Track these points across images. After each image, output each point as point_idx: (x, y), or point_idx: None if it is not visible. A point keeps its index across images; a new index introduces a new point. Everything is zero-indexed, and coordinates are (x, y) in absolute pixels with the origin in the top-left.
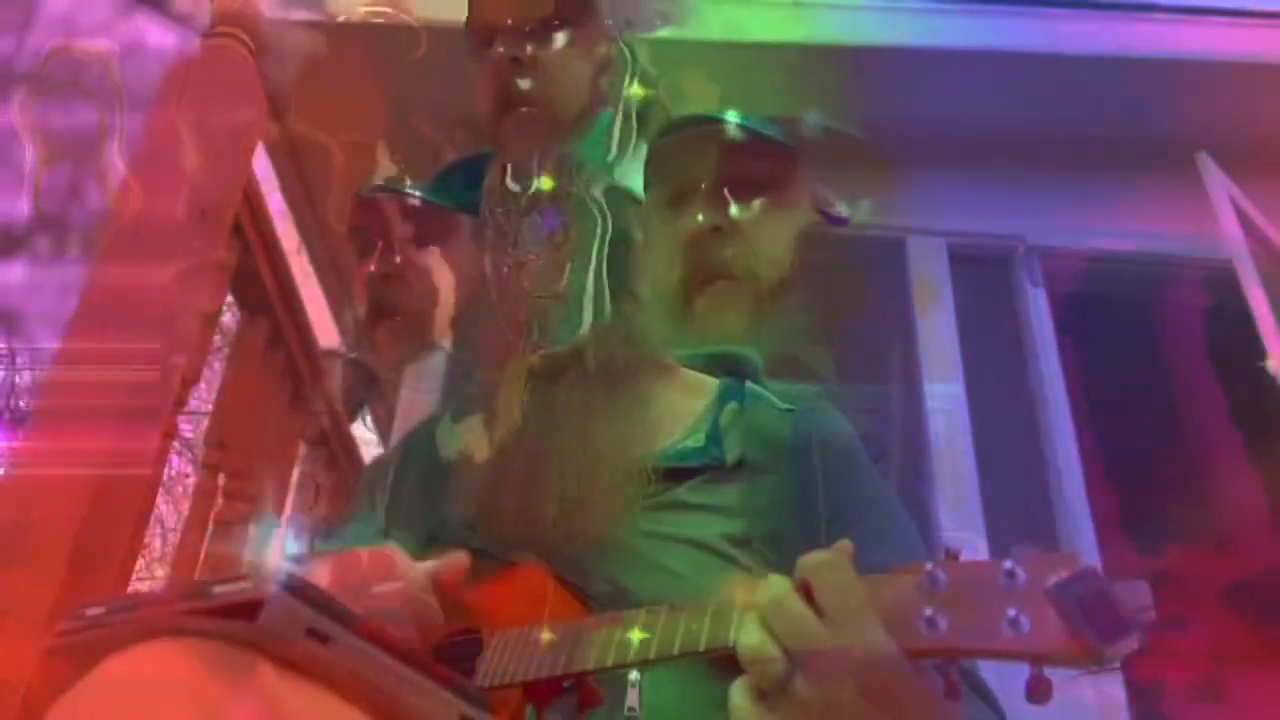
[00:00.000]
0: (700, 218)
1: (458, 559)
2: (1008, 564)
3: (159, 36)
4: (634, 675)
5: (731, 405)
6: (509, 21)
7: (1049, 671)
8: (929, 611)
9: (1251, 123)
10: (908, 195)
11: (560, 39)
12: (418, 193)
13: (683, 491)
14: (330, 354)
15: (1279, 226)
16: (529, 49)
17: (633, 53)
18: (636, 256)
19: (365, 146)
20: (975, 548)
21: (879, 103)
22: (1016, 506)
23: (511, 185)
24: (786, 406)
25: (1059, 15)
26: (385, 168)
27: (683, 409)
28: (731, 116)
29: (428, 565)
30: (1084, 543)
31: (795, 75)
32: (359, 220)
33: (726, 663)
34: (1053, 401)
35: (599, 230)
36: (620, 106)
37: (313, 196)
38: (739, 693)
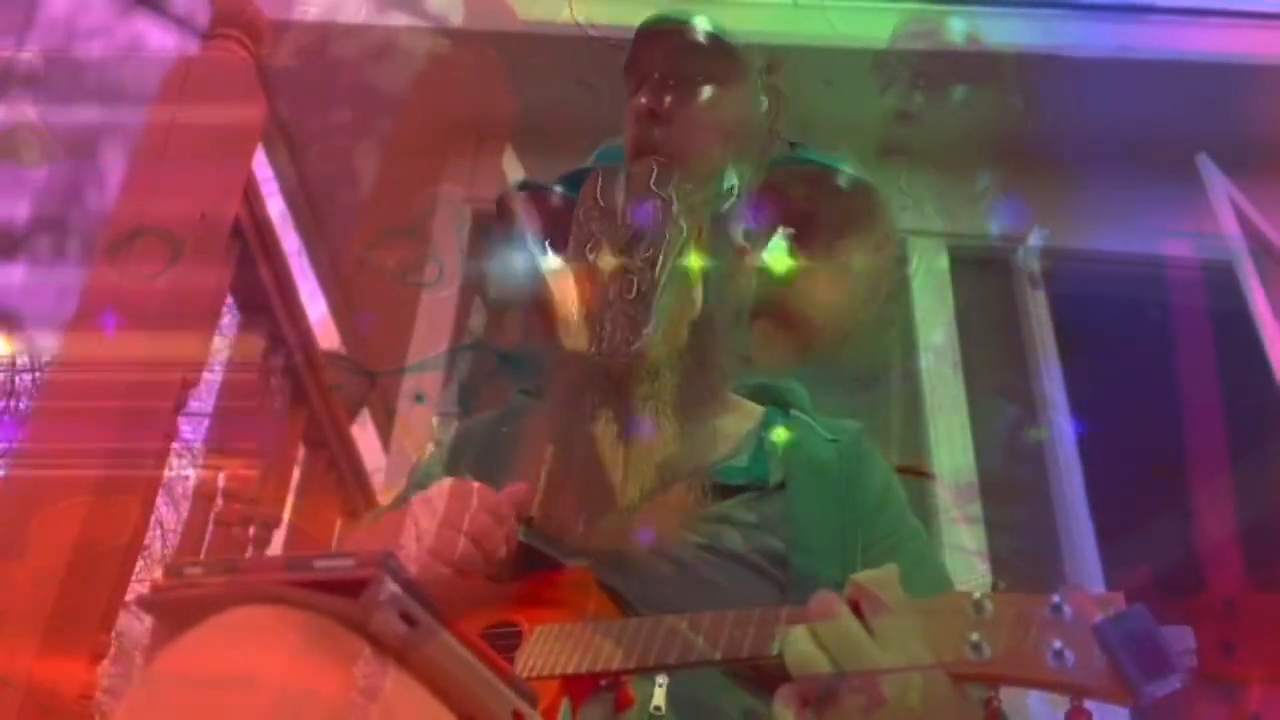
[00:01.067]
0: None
1: (525, 487)
2: (1055, 598)
3: (159, 36)
4: (661, 676)
5: (777, 430)
6: (656, 75)
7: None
8: (975, 637)
9: (1251, 123)
10: (908, 195)
11: (702, 95)
12: (559, 192)
13: (726, 507)
14: (330, 354)
15: (1279, 226)
16: (667, 101)
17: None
18: (715, 286)
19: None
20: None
21: (879, 103)
22: (1016, 506)
23: (601, 200)
24: (831, 437)
25: (1058, 16)
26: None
27: (730, 431)
28: (840, 162)
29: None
30: (1083, 543)
31: (798, 75)
32: (506, 215)
33: (760, 674)
34: (1053, 401)
35: (680, 250)
36: (750, 167)
37: (313, 198)
38: (784, 700)
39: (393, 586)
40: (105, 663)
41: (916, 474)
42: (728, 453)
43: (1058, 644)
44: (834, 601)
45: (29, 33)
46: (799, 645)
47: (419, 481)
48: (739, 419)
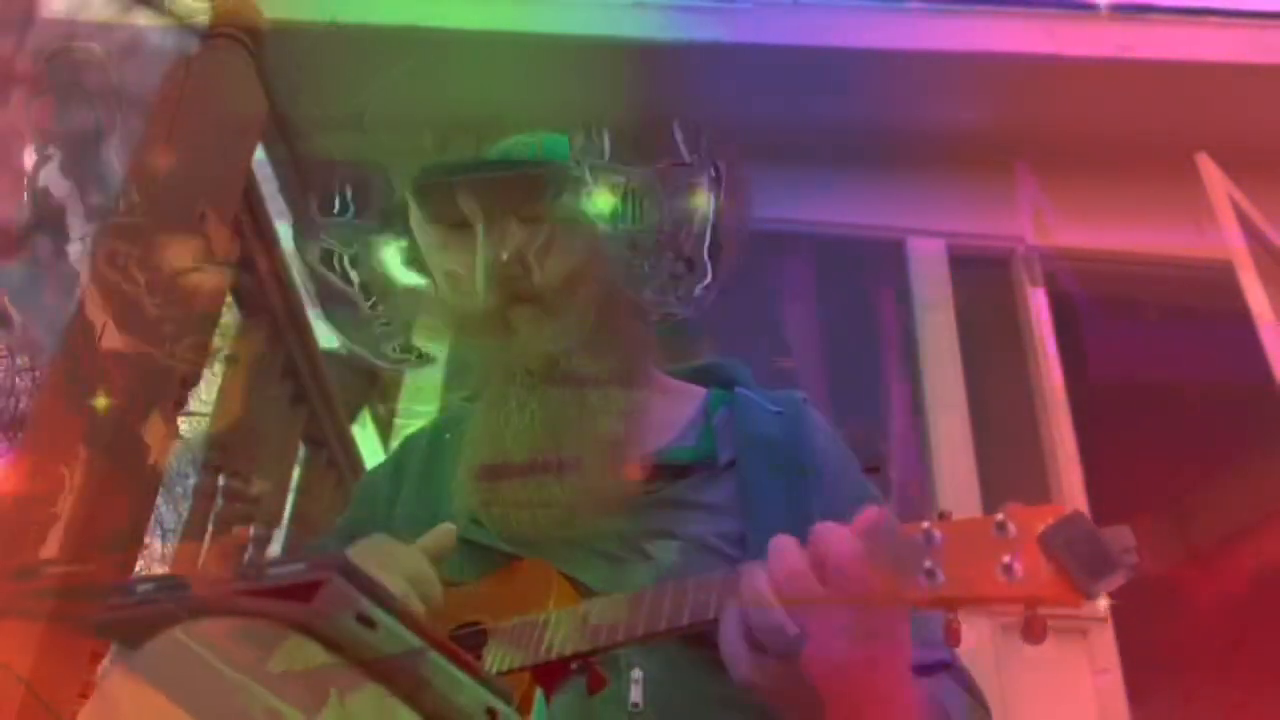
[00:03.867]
0: None
1: (444, 530)
2: (999, 517)
3: (159, 36)
4: (636, 671)
5: (722, 409)
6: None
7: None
8: (928, 564)
9: (1250, 124)
10: (908, 195)
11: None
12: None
13: (677, 489)
14: (330, 354)
15: (1279, 226)
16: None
17: None
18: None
19: None
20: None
21: (881, 104)
22: (1016, 504)
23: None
24: (776, 409)
25: (1058, 18)
26: None
27: (673, 416)
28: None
29: (419, 543)
30: None
31: (793, 76)
32: None
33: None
34: (1052, 401)
35: (583, 239)
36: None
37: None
38: (732, 632)
39: (347, 588)
40: (105, 663)
41: (916, 475)
42: (674, 437)
43: (1006, 559)
44: (788, 546)
45: (29, 31)
46: (754, 583)
47: (359, 500)
48: (680, 403)
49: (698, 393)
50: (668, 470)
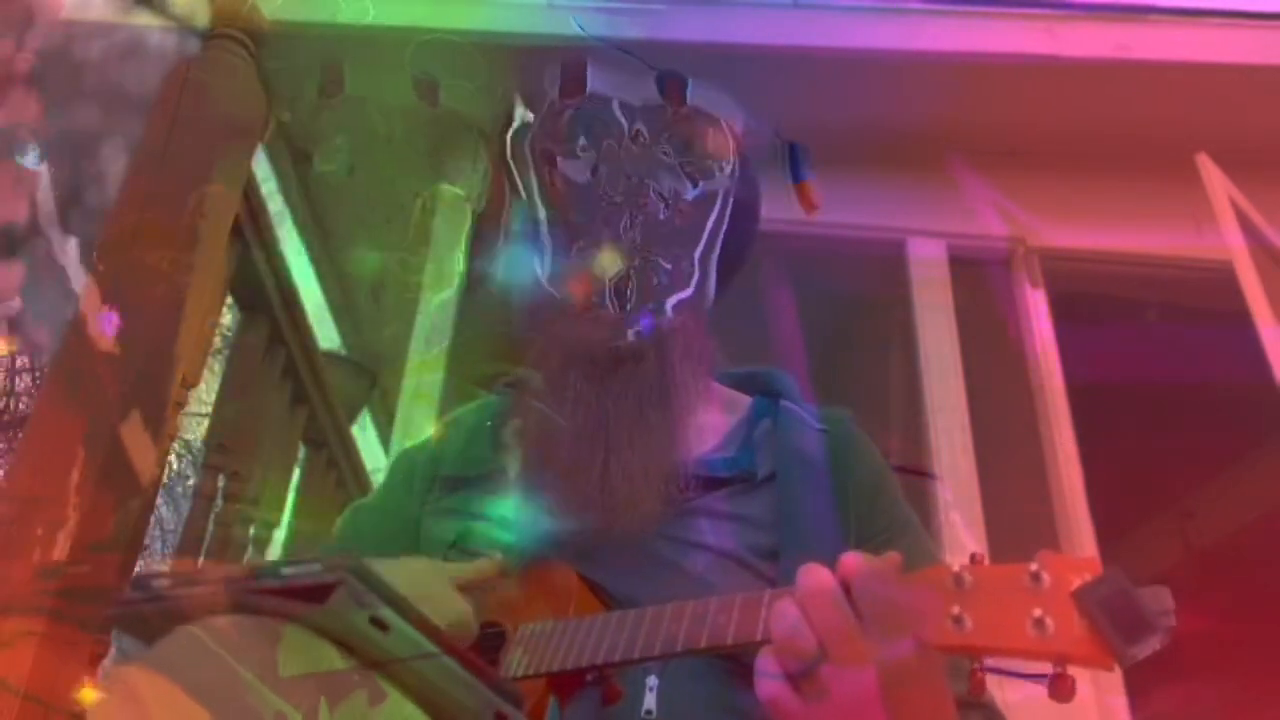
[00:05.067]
0: None
1: (490, 562)
2: (1033, 566)
3: (159, 37)
4: (651, 679)
5: (765, 421)
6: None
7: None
8: (956, 609)
9: (1250, 124)
10: (908, 195)
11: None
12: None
13: (712, 500)
14: (330, 354)
15: (1279, 226)
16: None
17: None
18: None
19: None
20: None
21: (881, 105)
22: (1016, 507)
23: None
24: (820, 427)
25: (1058, 18)
26: None
27: (717, 423)
28: None
29: (461, 573)
30: (1083, 544)
31: (793, 77)
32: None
33: (747, 667)
34: (1053, 401)
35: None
36: None
37: (313, 197)
38: (767, 663)
39: (361, 591)
40: (105, 663)
41: (917, 473)
42: (715, 445)
43: (1037, 612)
44: (826, 580)
45: (29, 31)
46: (786, 614)
47: (394, 477)
48: (725, 411)
49: (742, 401)
50: (705, 479)
